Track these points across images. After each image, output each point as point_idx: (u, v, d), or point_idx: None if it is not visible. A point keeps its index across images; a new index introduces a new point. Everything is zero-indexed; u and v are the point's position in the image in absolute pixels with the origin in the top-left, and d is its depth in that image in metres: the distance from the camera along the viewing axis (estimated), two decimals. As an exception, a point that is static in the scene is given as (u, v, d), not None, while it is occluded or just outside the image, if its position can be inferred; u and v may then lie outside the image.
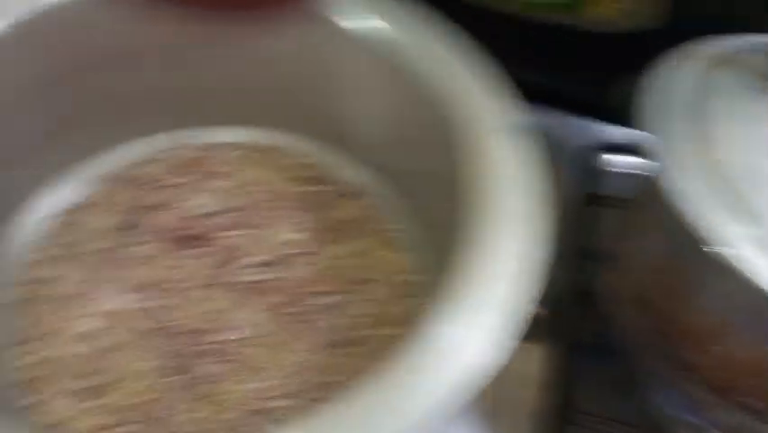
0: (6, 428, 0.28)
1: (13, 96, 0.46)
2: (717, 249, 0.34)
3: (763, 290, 0.33)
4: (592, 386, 0.53)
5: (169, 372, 0.45)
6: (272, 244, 0.53)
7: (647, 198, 0.49)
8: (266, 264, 0.52)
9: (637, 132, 0.41)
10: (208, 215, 0.54)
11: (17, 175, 0.49)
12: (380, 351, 0.48)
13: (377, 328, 0.50)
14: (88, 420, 0.43)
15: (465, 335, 0.32)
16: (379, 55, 0.46)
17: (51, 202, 0.52)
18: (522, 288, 0.34)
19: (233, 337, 0.48)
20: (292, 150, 0.59)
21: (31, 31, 0.46)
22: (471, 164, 0.39)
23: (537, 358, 0.53)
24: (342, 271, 0.52)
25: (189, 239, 0.52)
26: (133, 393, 0.44)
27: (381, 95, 0.48)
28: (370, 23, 0.46)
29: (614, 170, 0.63)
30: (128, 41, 0.49)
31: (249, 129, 0.59)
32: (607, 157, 0.63)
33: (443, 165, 0.46)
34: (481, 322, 0.33)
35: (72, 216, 0.52)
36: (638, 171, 0.56)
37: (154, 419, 0.44)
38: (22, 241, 0.50)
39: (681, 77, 0.43)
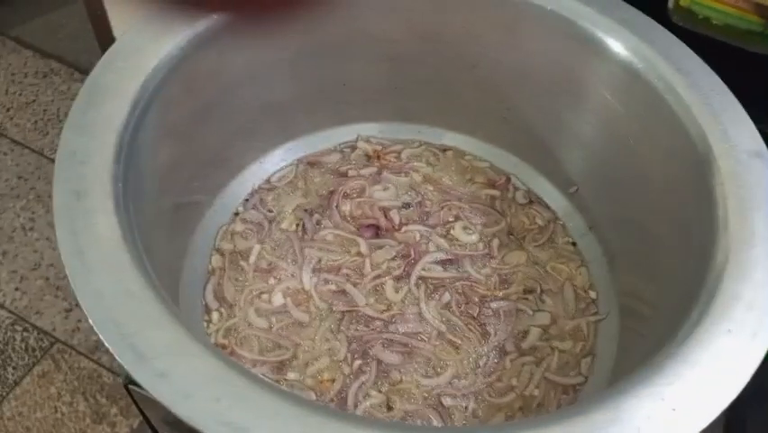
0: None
1: (249, 75, 0.48)
2: None
3: None
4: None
5: (352, 355, 0.46)
6: (448, 244, 0.53)
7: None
8: (443, 263, 0.52)
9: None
10: (387, 208, 0.55)
11: (239, 146, 0.52)
12: (551, 364, 0.48)
13: (548, 340, 0.49)
14: (282, 392, 0.44)
15: (727, 356, 0.31)
16: (636, 73, 0.45)
17: (256, 178, 0.54)
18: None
19: (412, 330, 0.48)
20: (472, 153, 0.59)
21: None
22: (722, 185, 0.38)
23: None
24: (518, 278, 0.52)
25: (373, 229, 0.53)
26: (317, 372, 0.46)
27: (617, 111, 0.47)
28: (629, 41, 0.45)
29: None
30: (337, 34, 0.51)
31: (429, 127, 0.59)
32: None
33: (655, 186, 0.45)
34: (740, 347, 0.32)
35: (270, 193, 0.54)
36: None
37: (332, 399, 0.45)
38: (227, 211, 0.52)
39: None
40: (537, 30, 0.48)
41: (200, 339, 0.31)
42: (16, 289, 1.22)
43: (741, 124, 0.41)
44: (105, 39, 0.88)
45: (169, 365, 0.29)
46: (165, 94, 0.40)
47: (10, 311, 1.20)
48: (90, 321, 0.30)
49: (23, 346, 1.18)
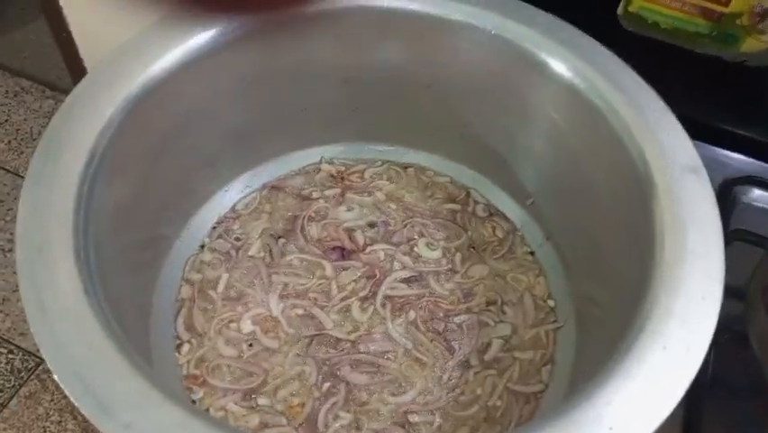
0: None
1: (206, 108, 0.50)
2: None
3: None
4: (725, 422, 0.52)
5: (322, 378, 0.48)
6: (412, 261, 0.55)
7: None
8: (408, 280, 0.54)
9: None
10: (351, 229, 0.56)
11: (202, 177, 0.53)
12: (513, 375, 0.50)
13: (510, 351, 0.51)
14: (253, 419, 0.45)
15: (663, 372, 0.34)
16: (578, 92, 0.47)
17: (221, 207, 0.56)
18: (706, 327, 0.35)
19: (379, 349, 0.50)
20: (432, 169, 0.60)
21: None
22: (658, 201, 0.39)
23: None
24: (480, 290, 0.54)
25: (338, 251, 0.54)
26: (287, 397, 0.47)
27: (563, 128, 0.49)
28: (571, 61, 0.47)
29: (757, 204, 0.61)
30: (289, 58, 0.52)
31: (391, 146, 0.61)
32: (750, 191, 0.62)
33: (602, 200, 0.46)
34: (674, 362, 0.34)
35: (236, 222, 0.55)
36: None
37: (303, 422, 0.46)
38: (195, 242, 0.54)
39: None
40: (482, 52, 0.49)
41: (163, 387, 0.32)
42: (-1, 311, 1.23)
43: (677, 140, 0.43)
44: (71, 59, 0.89)
45: (133, 417, 0.30)
46: (122, 139, 0.42)
47: (-7, 334, 1.20)
48: (55, 376, 0.31)
49: (9, 368, 1.18)
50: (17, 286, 1.03)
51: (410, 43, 0.52)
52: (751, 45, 0.60)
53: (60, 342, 0.32)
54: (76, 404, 0.30)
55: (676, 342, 0.34)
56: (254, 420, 0.46)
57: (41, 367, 1.18)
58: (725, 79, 0.63)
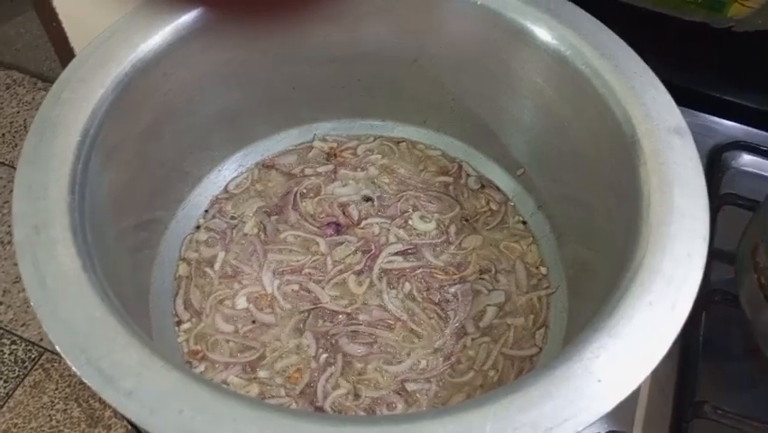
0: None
1: (197, 88, 0.50)
2: None
3: None
4: (718, 382, 0.53)
5: (319, 350, 0.49)
6: (407, 234, 0.55)
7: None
8: (403, 253, 0.54)
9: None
10: (346, 204, 0.57)
11: (196, 157, 0.54)
12: (508, 340, 0.51)
13: (504, 318, 0.52)
14: (253, 390, 0.46)
15: (649, 327, 0.35)
16: (564, 60, 0.47)
17: (215, 187, 0.57)
18: (692, 284, 0.35)
19: (375, 321, 0.51)
20: (424, 143, 0.61)
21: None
22: (645, 163, 0.40)
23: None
24: (474, 260, 0.54)
25: (333, 226, 0.55)
26: (286, 368, 0.48)
27: (550, 96, 0.49)
28: (556, 29, 0.47)
29: (746, 169, 0.62)
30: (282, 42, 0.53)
31: (382, 121, 0.61)
32: (739, 156, 0.63)
33: (590, 165, 0.47)
34: (660, 318, 0.35)
35: (229, 202, 0.56)
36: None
37: (302, 393, 0.47)
38: (190, 221, 0.54)
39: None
40: (467, 23, 0.50)
41: (163, 355, 0.33)
42: (0, 303, 1.23)
43: (662, 102, 0.43)
44: (63, 50, 0.89)
45: (135, 384, 0.31)
46: (114, 120, 0.42)
47: (-4, 325, 1.21)
48: (58, 348, 0.32)
49: (13, 359, 1.19)
50: (17, 277, 1.04)
51: (395, 17, 0.52)
52: (737, 10, 0.60)
53: (62, 316, 0.33)
54: (78, 374, 0.31)
55: (662, 298, 0.35)
56: (254, 391, 0.47)
57: (44, 357, 1.19)
58: (712, 46, 0.63)
